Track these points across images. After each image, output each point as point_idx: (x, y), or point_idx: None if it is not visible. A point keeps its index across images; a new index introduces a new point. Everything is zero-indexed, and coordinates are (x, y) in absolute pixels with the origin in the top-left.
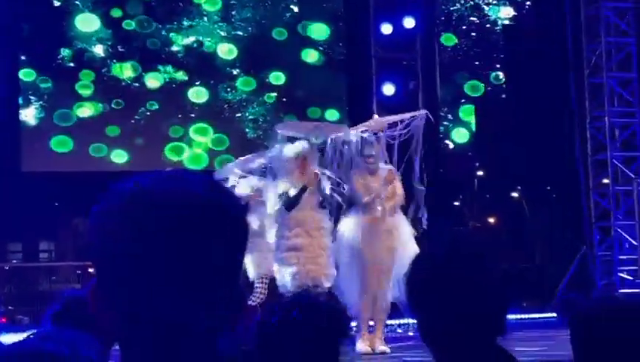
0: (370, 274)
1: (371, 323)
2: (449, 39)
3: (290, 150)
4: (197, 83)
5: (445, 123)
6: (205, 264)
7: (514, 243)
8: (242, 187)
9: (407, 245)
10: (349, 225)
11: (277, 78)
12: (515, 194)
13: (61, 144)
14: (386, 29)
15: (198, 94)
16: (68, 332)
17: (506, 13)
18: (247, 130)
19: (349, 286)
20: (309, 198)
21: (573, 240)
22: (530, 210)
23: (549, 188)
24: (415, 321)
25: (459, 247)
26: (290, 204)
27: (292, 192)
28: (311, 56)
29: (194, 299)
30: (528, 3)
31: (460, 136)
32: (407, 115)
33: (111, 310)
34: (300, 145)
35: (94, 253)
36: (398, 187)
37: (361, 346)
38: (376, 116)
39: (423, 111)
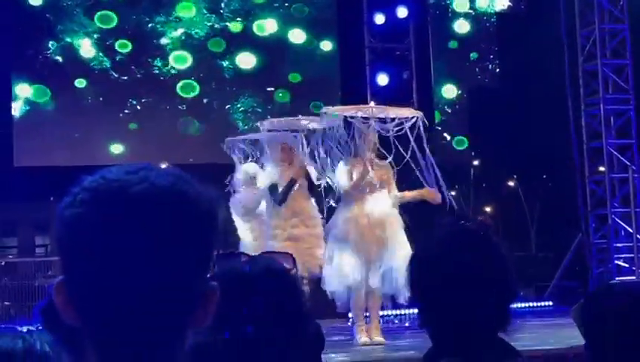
0: (361, 266)
1: (366, 314)
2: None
3: (275, 139)
4: (186, 74)
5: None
6: (171, 259)
7: (510, 232)
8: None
9: (397, 236)
10: (340, 217)
11: (269, 69)
12: (511, 183)
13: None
14: (379, 18)
15: (186, 87)
16: (27, 328)
17: (502, 3)
18: (238, 121)
19: (337, 278)
20: (300, 188)
21: (569, 229)
22: (525, 199)
23: (544, 176)
24: (414, 310)
25: (463, 237)
26: (280, 199)
27: (280, 185)
28: (301, 41)
29: (159, 297)
30: None
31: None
32: (405, 114)
33: (74, 305)
34: (285, 136)
35: (60, 246)
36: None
37: (360, 337)
38: (373, 103)
39: (419, 114)
